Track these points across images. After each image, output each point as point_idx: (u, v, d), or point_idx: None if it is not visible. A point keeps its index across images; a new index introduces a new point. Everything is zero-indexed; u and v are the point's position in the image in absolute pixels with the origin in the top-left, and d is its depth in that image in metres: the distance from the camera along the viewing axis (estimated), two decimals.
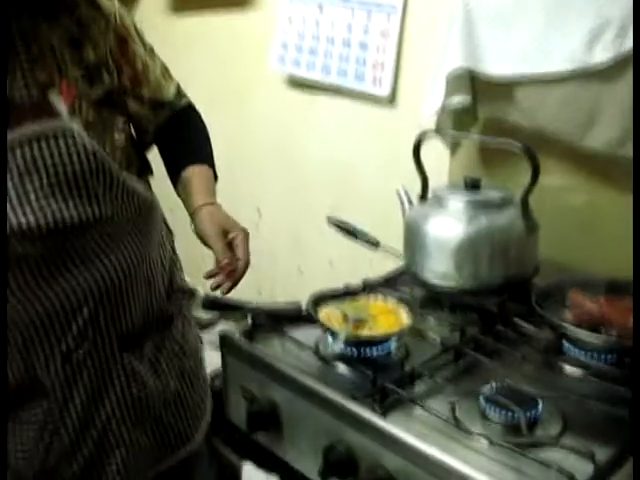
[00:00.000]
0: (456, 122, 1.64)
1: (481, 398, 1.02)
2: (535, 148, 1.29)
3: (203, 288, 1.34)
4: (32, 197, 0.99)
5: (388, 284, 1.45)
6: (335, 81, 1.96)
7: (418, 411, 1.03)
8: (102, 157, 1.04)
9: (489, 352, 1.18)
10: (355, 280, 1.50)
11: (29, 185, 0.99)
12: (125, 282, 1.12)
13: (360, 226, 1.57)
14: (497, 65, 1.48)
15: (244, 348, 1.24)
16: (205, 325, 1.64)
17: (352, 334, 1.16)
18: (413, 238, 1.40)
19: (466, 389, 1.08)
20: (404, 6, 1.76)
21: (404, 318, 1.22)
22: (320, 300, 1.28)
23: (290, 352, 1.21)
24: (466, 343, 1.20)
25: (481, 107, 1.59)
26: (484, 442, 0.97)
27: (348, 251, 1.88)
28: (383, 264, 1.56)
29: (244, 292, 1.29)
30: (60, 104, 1.04)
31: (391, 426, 1.00)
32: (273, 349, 1.23)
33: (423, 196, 1.46)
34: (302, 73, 2.05)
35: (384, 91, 1.83)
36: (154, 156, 1.36)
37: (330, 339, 1.19)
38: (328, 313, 1.22)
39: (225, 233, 1.23)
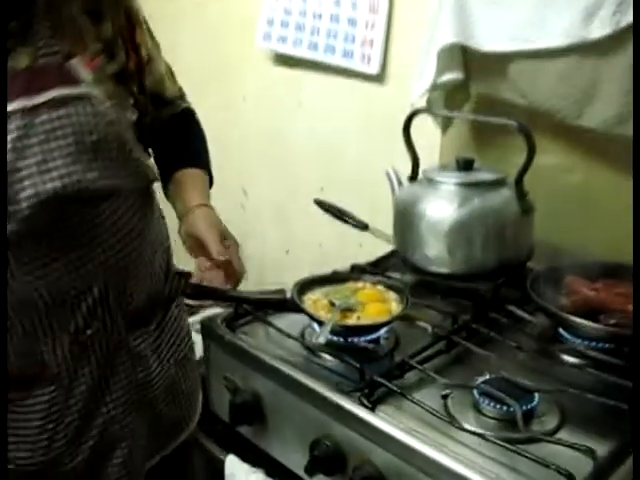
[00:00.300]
0: (448, 100, 1.57)
1: (475, 391, 0.97)
2: (530, 126, 1.24)
3: None
4: (58, 162, 0.99)
5: (378, 268, 1.40)
6: (322, 58, 1.89)
7: (408, 404, 0.98)
8: (121, 127, 1.05)
9: (482, 341, 1.13)
10: (344, 263, 1.46)
11: (56, 151, 0.99)
12: (132, 259, 1.10)
13: (349, 208, 1.52)
14: (490, 40, 1.42)
15: (226, 337, 1.19)
16: (192, 311, 1.59)
17: (339, 323, 1.10)
18: (403, 221, 1.34)
19: (459, 381, 1.03)
20: None
21: (394, 306, 1.16)
22: (306, 286, 1.22)
23: (274, 342, 1.16)
24: (458, 332, 1.15)
25: (474, 84, 1.53)
26: (478, 437, 0.92)
27: (337, 233, 1.83)
28: (373, 246, 1.51)
29: None
30: (84, 72, 1.03)
31: (380, 421, 0.95)
32: (257, 338, 1.18)
33: (413, 177, 1.40)
34: (288, 50, 1.98)
35: (373, 68, 1.77)
36: None
37: (316, 328, 1.14)
38: (314, 300, 1.17)
39: (221, 237, 1.17)
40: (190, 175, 1.25)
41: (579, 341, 1.11)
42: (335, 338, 1.12)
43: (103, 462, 1.16)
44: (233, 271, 1.15)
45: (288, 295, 1.19)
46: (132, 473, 1.18)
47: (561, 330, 1.14)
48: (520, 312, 1.19)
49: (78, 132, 1.01)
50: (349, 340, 1.12)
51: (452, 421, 0.94)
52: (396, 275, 1.36)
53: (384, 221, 1.42)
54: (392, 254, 1.45)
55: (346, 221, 1.50)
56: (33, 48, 1.00)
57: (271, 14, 1.99)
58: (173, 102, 1.28)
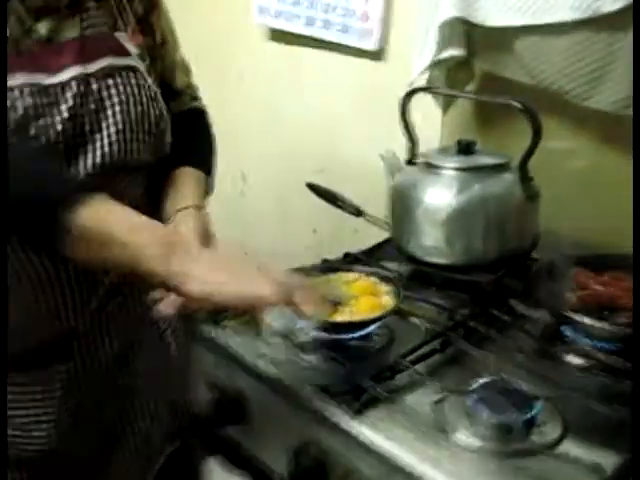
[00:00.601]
0: (449, 78, 1.48)
1: (470, 397, 0.89)
2: (536, 107, 1.15)
3: None
4: (105, 133, 1.01)
5: (371, 257, 1.32)
6: (320, 34, 1.79)
7: (398, 410, 0.90)
8: (160, 103, 1.08)
9: (480, 339, 1.05)
10: (339, 249, 1.38)
11: (104, 121, 1.01)
12: None
13: (346, 192, 1.45)
14: (495, 15, 1.32)
15: (206, 333, 1.11)
16: None
17: (324, 319, 1.02)
18: (399, 207, 1.26)
19: (454, 383, 0.95)
20: None
21: (387, 300, 1.08)
22: None
23: (258, 338, 1.08)
24: (455, 329, 1.07)
25: (477, 62, 1.44)
26: (473, 449, 0.84)
27: (332, 218, 1.75)
28: (369, 233, 1.44)
29: None
30: (129, 44, 1.06)
31: (366, 429, 0.87)
32: (241, 334, 1.10)
33: (410, 160, 1.32)
34: (285, 25, 1.88)
35: (372, 45, 1.67)
36: None
37: (302, 324, 1.06)
38: None
39: (205, 243, 1.07)
40: (185, 174, 1.17)
41: (585, 341, 1.03)
42: (322, 335, 1.04)
43: (120, 442, 1.15)
44: None
45: None
46: (150, 455, 1.17)
47: (565, 328, 1.06)
48: (522, 308, 1.10)
49: (125, 103, 1.02)
50: (338, 337, 1.04)
51: (445, 431, 0.86)
52: (391, 265, 1.28)
53: (383, 206, 1.33)
54: (387, 242, 1.37)
55: (340, 206, 1.42)
56: (80, 19, 1.01)
57: None
58: (181, 96, 1.23)
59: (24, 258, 1.00)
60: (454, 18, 1.35)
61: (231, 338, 1.09)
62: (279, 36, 1.94)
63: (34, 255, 0.99)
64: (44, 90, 0.96)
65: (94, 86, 1.01)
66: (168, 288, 0.87)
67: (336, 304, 1.06)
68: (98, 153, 1.00)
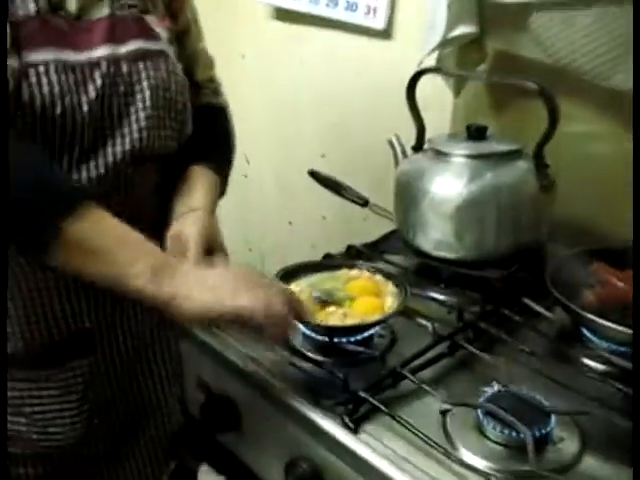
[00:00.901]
0: (460, 58, 1.39)
1: (479, 411, 0.81)
2: (553, 89, 1.06)
3: None
4: (133, 118, 0.98)
5: (376, 251, 1.24)
6: (325, 12, 1.70)
7: (399, 423, 0.82)
8: (187, 90, 1.07)
9: (491, 342, 0.97)
10: (348, 237, 1.30)
11: (132, 105, 0.98)
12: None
13: (352, 178, 1.36)
14: None
15: (196, 333, 1.03)
16: None
17: (320, 322, 0.94)
18: (405, 197, 1.17)
19: (462, 391, 0.87)
20: None
21: (389, 302, 1.00)
22: (291, 274, 1.06)
23: (250, 341, 1.00)
24: (464, 330, 0.98)
25: (490, 40, 1.35)
26: (480, 469, 0.76)
27: (341, 205, 1.67)
28: (379, 220, 1.35)
29: (233, 248, 1.12)
30: (159, 29, 1.04)
31: (363, 446, 0.79)
32: (231, 335, 1.02)
33: (418, 146, 1.23)
34: (288, 4, 1.80)
35: (379, 23, 1.58)
36: None
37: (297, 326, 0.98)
38: (297, 293, 1.01)
39: (209, 248, 1.03)
40: (199, 175, 1.13)
41: (605, 344, 0.94)
42: (317, 339, 0.96)
43: (135, 441, 1.16)
44: None
45: None
46: (164, 456, 1.18)
47: (584, 330, 0.97)
48: (536, 306, 1.02)
49: (154, 87, 1.00)
50: (334, 341, 0.96)
51: (449, 448, 0.78)
52: (396, 259, 1.20)
53: (391, 194, 1.25)
54: (394, 233, 1.28)
55: (344, 196, 1.34)
56: (111, 0, 0.99)
57: None
58: (201, 89, 1.20)
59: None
60: None
61: (220, 340, 1.00)
62: (283, 15, 1.86)
63: None
64: (71, 68, 0.93)
65: (124, 68, 0.98)
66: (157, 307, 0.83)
67: (333, 304, 0.98)
68: (127, 139, 0.97)
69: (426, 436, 0.78)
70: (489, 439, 0.79)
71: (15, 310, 1.02)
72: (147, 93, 0.99)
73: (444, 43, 1.33)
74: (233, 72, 2.09)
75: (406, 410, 0.84)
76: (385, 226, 1.31)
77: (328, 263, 1.12)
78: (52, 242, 0.80)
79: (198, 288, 0.81)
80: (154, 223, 1.04)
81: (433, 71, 1.28)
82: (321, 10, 1.71)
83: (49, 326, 1.04)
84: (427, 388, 0.85)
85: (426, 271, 1.15)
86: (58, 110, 0.92)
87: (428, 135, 1.24)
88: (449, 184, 1.11)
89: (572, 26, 1.18)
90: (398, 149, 1.25)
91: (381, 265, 1.13)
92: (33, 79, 0.90)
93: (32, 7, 0.91)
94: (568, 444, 0.79)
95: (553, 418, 0.79)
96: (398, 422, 0.81)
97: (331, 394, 0.86)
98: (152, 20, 1.04)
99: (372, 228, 1.36)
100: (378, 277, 1.06)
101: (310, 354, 0.95)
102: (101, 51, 0.96)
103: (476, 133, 1.15)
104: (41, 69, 0.91)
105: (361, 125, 1.75)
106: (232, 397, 0.99)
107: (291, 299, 0.86)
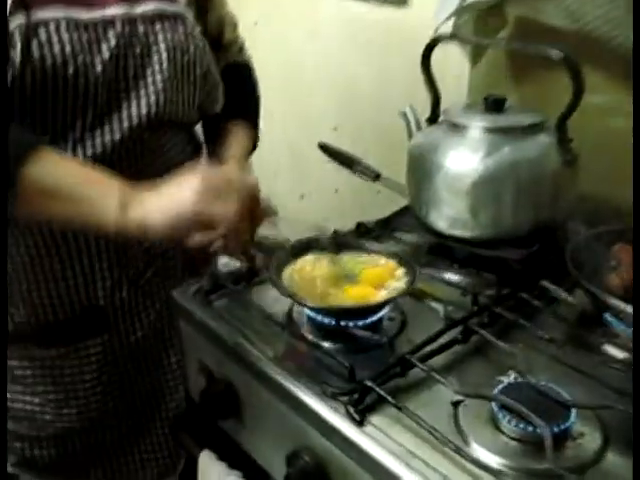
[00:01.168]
0: (479, 25, 1.32)
1: (493, 404, 0.75)
2: (578, 57, 0.99)
3: None
4: (149, 80, 0.95)
5: (387, 229, 1.18)
6: None
7: (408, 415, 0.77)
8: (206, 55, 1.04)
9: (507, 328, 0.91)
10: (361, 211, 1.29)
11: (149, 67, 0.95)
12: None
13: (364, 150, 1.31)
14: None
15: (197, 315, 0.98)
16: None
17: (323, 303, 0.89)
18: (418, 172, 1.11)
19: (475, 383, 0.81)
20: None
21: (400, 281, 0.94)
22: (297, 252, 1.00)
23: (253, 324, 0.95)
24: (478, 314, 0.93)
25: (510, 6, 1.27)
26: (494, 467, 0.71)
27: (354, 178, 1.62)
28: (391, 194, 1.29)
29: None
30: None
31: (369, 440, 0.74)
32: (233, 317, 0.97)
33: (433, 118, 1.16)
34: None
35: None
36: None
37: (301, 309, 0.93)
38: (299, 272, 0.95)
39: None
40: (232, 130, 1.19)
41: (629, 330, 0.88)
42: (322, 322, 0.91)
43: (153, 418, 1.14)
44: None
45: None
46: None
47: (607, 315, 0.91)
48: (556, 289, 0.96)
49: (171, 49, 0.97)
50: (342, 324, 0.90)
51: (461, 443, 0.73)
52: (408, 237, 1.14)
53: (404, 169, 1.19)
54: (407, 209, 1.22)
55: (355, 169, 1.28)
56: None
57: None
58: (229, 49, 1.19)
59: (48, 231, 0.97)
60: None
61: (220, 321, 0.95)
62: None
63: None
64: (83, 26, 0.90)
65: (140, 29, 0.95)
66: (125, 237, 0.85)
67: (340, 284, 0.93)
68: (143, 102, 0.94)
69: (436, 430, 0.73)
70: (504, 434, 0.74)
71: (27, 285, 1.00)
72: (164, 55, 0.96)
73: (462, 9, 1.26)
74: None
75: (415, 401, 0.79)
76: (399, 200, 1.26)
77: (335, 241, 1.06)
78: (12, 190, 0.78)
79: (164, 203, 0.82)
80: None
81: (450, 39, 1.21)
82: None
83: (62, 303, 1.02)
84: (438, 377, 0.80)
85: (439, 250, 1.09)
86: (70, 70, 0.89)
87: (443, 107, 1.17)
88: (465, 158, 1.04)
89: None
90: (412, 121, 1.19)
91: (391, 244, 1.07)
92: (43, 37, 0.87)
93: None
94: (589, 440, 0.73)
95: (573, 412, 0.74)
96: (406, 414, 0.75)
97: (336, 382, 0.81)
98: None
99: (385, 202, 1.30)
100: (387, 256, 1.00)
101: (315, 339, 0.89)
102: (115, 9, 0.93)
103: (494, 105, 1.09)
104: (52, 27, 0.87)
105: (374, 96, 1.69)
106: (233, 383, 0.94)
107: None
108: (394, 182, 1.24)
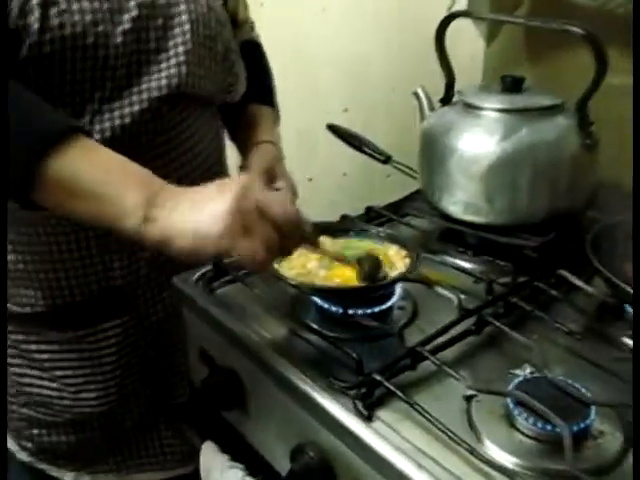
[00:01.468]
0: (495, 1, 1.27)
1: (509, 399, 0.71)
2: (600, 35, 0.94)
3: None
4: (172, 52, 0.93)
5: (397, 213, 1.14)
6: None
7: (418, 410, 0.73)
8: (228, 31, 1.03)
9: (523, 319, 0.88)
10: (370, 195, 1.28)
11: (171, 40, 0.93)
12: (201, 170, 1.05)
13: (375, 132, 1.26)
14: None
15: (199, 302, 0.95)
16: None
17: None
18: (430, 155, 1.07)
19: (489, 377, 0.78)
20: None
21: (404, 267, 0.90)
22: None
23: (257, 312, 0.91)
24: (493, 304, 0.89)
25: None
26: (508, 467, 0.67)
27: (363, 161, 1.58)
28: (401, 178, 1.25)
29: None
30: None
31: (377, 436, 0.70)
32: (237, 305, 0.94)
33: (446, 99, 1.12)
34: None
35: None
36: None
37: (308, 297, 0.89)
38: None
39: (271, 176, 1.11)
40: (257, 112, 1.20)
41: None
42: (333, 309, 0.87)
43: (168, 402, 1.11)
44: None
45: None
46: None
47: (628, 307, 0.87)
48: (574, 279, 0.92)
49: (194, 22, 0.95)
50: (350, 312, 0.87)
51: (474, 442, 0.69)
52: (420, 222, 1.11)
53: (415, 151, 1.15)
54: (418, 194, 1.18)
55: (365, 151, 1.24)
56: None
57: None
58: (242, 27, 1.20)
59: None
60: None
61: (223, 308, 0.92)
62: None
63: None
64: None
65: (162, 1, 0.92)
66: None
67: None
68: (164, 74, 0.92)
69: (447, 428, 0.69)
70: (519, 431, 0.70)
71: (43, 266, 0.98)
72: (187, 27, 0.94)
73: None
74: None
75: (425, 395, 0.75)
76: (409, 184, 1.22)
77: (343, 227, 1.02)
78: (30, 184, 0.73)
79: (188, 229, 0.72)
80: (192, 169, 1.01)
81: (464, 15, 1.16)
82: None
83: (79, 283, 1.00)
84: (450, 371, 0.76)
85: (452, 237, 1.05)
86: (89, 40, 0.86)
87: (457, 87, 1.13)
88: (480, 141, 1.00)
89: None
90: (424, 102, 1.14)
91: (402, 228, 1.04)
92: (63, 5, 0.84)
93: None
94: (610, 440, 0.69)
95: (593, 409, 0.70)
96: (416, 410, 0.71)
97: (343, 375, 0.77)
98: None
99: (395, 186, 1.27)
100: (395, 245, 0.95)
101: (320, 328, 0.85)
102: None
103: (511, 85, 1.04)
104: None
105: (385, 77, 1.65)
106: (237, 372, 0.91)
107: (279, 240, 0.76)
108: (405, 165, 1.20)
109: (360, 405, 0.73)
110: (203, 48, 0.97)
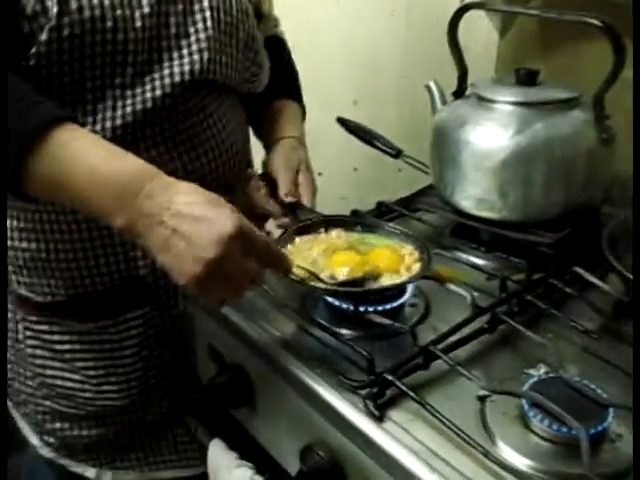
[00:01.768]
0: None
1: (524, 401, 0.70)
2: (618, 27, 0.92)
3: None
4: (193, 39, 0.92)
5: (409, 209, 1.12)
6: None
7: (430, 411, 0.71)
8: (252, 18, 1.02)
9: (538, 317, 0.86)
10: (381, 190, 1.23)
11: (192, 26, 0.92)
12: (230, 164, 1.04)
13: (385, 128, 1.25)
14: None
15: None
16: None
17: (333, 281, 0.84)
18: (442, 149, 1.05)
19: (503, 377, 0.76)
20: None
21: (415, 264, 0.89)
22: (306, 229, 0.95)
23: (265, 308, 0.90)
24: (507, 302, 0.87)
25: None
26: (522, 470, 0.65)
27: (374, 156, 1.56)
28: (413, 173, 1.23)
29: None
30: None
31: (388, 437, 0.69)
32: (246, 301, 0.92)
33: (459, 92, 1.10)
34: None
35: None
36: None
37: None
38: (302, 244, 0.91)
39: (295, 175, 1.07)
40: (282, 106, 1.19)
41: None
42: (344, 307, 0.86)
43: (189, 397, 1.09)
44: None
45: None
46: None
47: None
48: (589, 276, 0.90)
49: (215, 8, 0.94)
50: (361, 310, 0.85)
51: (487, 444, 0.67)
52: (432, 218, 1.09)
53: (427, 145, 1.13)
54: (430, 189, 1.16)
55: (375, 145, 1.22)
56: None
57: None
58: (267, 21, 1.19)
59: None
60: None
61: (231, 305, 0.90)
62: None
63: None
64: None
65: None
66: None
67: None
68: (186, 60, 0.91)
69: (459, 429, 0.67)
70: (534, 433, 0.68)
71: (64, 255, 0.97)
72: (207, 13, 0.93)
73: None
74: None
75: (438, 395, 0.74)
76: (420, 180, 1.20)
77: (356, 221, 1.00)
78: (18, 180, 0.74)
79: (172, 254, 0.71)
80: (217, 154, 1.01)
81: (477, 7, 1.14)
82: None
83: (100, 273, 0.98)
84: (463, 371, 0.74)
85: (464, 232, 1.04)
86: (109, 24, 0.85)
87: (470, 80, 1.11)
88: (494, 135, 0.98)
89: None
90: (436, 95, 1.12)
91: (414, 223, 1.02)
92: None
93: None
94: (627, 443, 0.68)
95: (610, 411, 0.68)
96: (428, 410, 0.70)
97: (353, 374, 0.76)
98: None
99: (406, 181, 1.25)
100: (405, 242, 0.94)
101: (331, 325, 0.84)
102: None
103: (526, 78, 1.02)
104: None
105: (397, 69, 1.62)
106: (245, 370, 0.89)
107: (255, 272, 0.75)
108: (417, 160, 1.18)
109: (371, 405, 0.72)
110: (224, 35, 0.96)
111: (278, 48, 1.22)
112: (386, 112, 1.60)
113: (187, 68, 0.92)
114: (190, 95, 0.95)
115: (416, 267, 0.88)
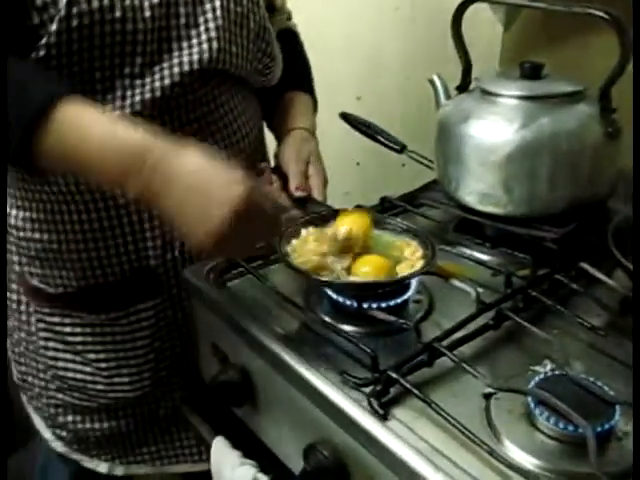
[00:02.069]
0: None
1: (529, 398, 0.69)
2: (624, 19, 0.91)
3: None
4: (202, 28, 0.92)
5: (413, 204, 1.11)
6: None
7: (435, 409, 0.71)
8: (263, 10, 1.03)
9: (543, 313, 0.85)
10: (384, 185, 1.23)
11: (201, 16, 0.92)
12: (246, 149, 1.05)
13: (388, 123, 1.24)
14: None
15: (210, 295, 0.93)
16: None
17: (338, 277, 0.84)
18: (446, 143, 1.04)
19: (508, 374, 0.75)
20: None
21: (419, 260, 0.88)
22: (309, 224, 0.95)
23: (269, 306, 0.89)
24: (512, 298, 0.86)
25: None
26: (528, 469, 0.64)
27: (377, 151, 1.55)
28: (416, 168, 1.23)
29: None
30: None
31: (392, 436, 0.68)
32: (249, 298, 0.92)
33: (463, 86, 1.09)
34: None
35: None
36: None
37: (322, 290, 0.87)
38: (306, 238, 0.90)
39: (306, 168, 1.07)
40: (294, 98, 1.19)
41: None
42: (347, 303, 0.85)
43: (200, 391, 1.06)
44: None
45: None
46: None
47: None
48: (595, 272, 0.89)
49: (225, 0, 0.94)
50: (364, 306, 0.84)
51: (493, 443, 0.66)
52: (436, 213, 1.08)
53: (430, 141, 1.12)
54: (434, 184, 1.15)
55: (379, 140, 1.21)
56: None
57: None
58: (279, 14, 1.19)
59: (97, 189, 0.94)
60: None
61: (234, 302, 0.90)
62: None
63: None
64: None
65: None
66: None
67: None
68: (195, 50, 0.91)
69: (464, 427, 0.67)
70: (540, 432, 0.67)
71: (75, 246, 0.97)
72: (217, 3, 0.93)
73: None
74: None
75: (443, 393, 0.73)
76: (424, 175, 1.19)
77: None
78: (27, 155, 0.74)
79: (186, 221, 0.73)
80: (229, 144, 1.01)
81: (481, 0, 1.13)
82: None
83: (111, 264, 0.99)
84: (468, 368, 0.73)
85: (469, 228, 1.03)
86: (117, 14, 0.85)
87: (474, 74, 1.10)
88: (498, 129, 0.97)
89: None
90: (440, 89, 1.11)
91: (418, 219, 1.03)
92: None
93: None
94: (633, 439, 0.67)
95: (617, 409, 0.67)
96: (433, 408, 0.69)
97: (357, 371, 0.75)
98: None
99: (410, 176, 1.24)
100: (409, 237, 0.93)
101: (334, 322, 0.83)
102: None
103: (530, 71, 1.01)
104: None
105: (400, 63, 1.61)
106: (248, 367, 0.89)
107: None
108: (420, 155, 1.17)
109: (375, 403, 0.71)
110: (235, 25, 0.96)
111: (291, 41, 1.22)
112: (390, 107, 1.59)
113: (196, 57, 0.92)
114: (199, 85, 0.95)
115: (419, 263, 0.87)
